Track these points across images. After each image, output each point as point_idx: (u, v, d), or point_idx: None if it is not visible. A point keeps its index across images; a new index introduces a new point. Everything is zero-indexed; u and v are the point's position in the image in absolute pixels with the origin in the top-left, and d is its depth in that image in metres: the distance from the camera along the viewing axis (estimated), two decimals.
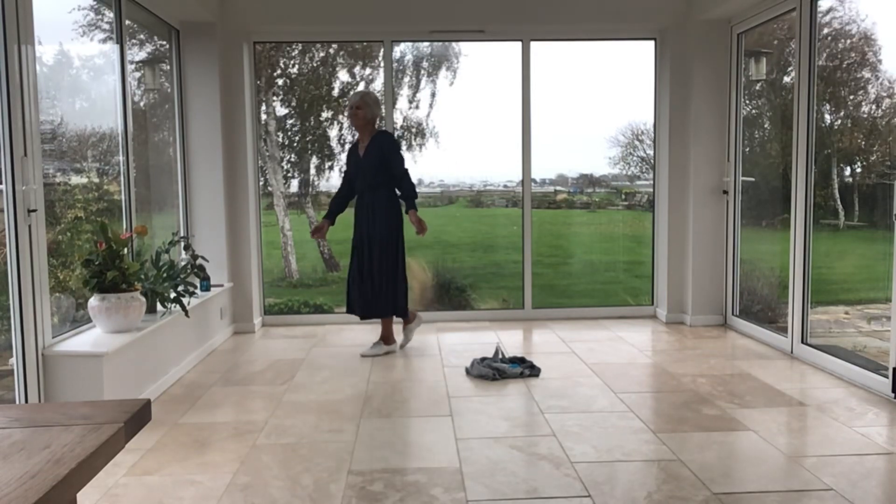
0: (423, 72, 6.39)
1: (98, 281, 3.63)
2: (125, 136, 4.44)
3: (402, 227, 4.91)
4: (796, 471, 2.86)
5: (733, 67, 5.54)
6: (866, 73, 4.75)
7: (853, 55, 4.77)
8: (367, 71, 6.38)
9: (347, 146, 5.64)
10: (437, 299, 6.45)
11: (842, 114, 4.92)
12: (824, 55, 4.72)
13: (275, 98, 6.46)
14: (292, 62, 6.58)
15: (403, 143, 6.36)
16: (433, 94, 6.37)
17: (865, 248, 4.94)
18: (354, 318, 5.49)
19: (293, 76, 6.57)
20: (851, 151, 4.93)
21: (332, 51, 6.46)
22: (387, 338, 5.00)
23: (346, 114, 5.05)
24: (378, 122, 4.97)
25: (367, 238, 4.83)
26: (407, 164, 4.89)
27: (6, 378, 3.35)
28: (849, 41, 4.73)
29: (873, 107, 4.80)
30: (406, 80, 6.36)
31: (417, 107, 6.39)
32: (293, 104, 6.58)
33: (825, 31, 4.77)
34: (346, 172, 5.06)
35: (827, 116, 4.90)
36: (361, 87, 6.37)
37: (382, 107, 5.22)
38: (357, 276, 4.88)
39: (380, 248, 4.80)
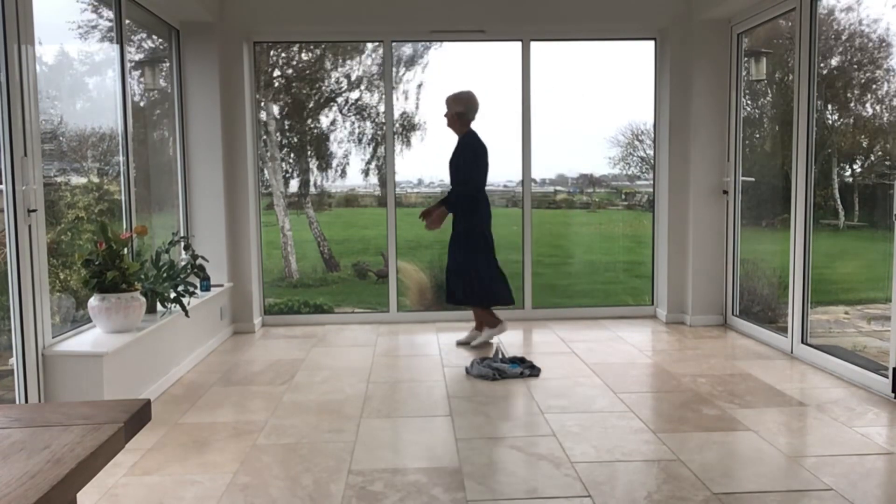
0: (421, 71, 6.39)
1: (98, 281, 3.63)
2: (125, 136, 4.44)
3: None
4: (796, 471, 2.86)
5: (733, 67, 5.54)
6: (878, 73, 4.73)
7: (860, 54, 4.75)
8: (359, 64, 6.38)
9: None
10: (438, 299, 6.45)
11: (845, 113, 4.92)
12: (835, 54, 4.71)
13: (274, 98, 6.45)
14: (292, 60, 6.57)
15: (403, 141, 6.36)
16: (429, 91, 6.38)
17: (865, 248, 4.94)
18: (354, 318, 5.51)
19: (293, 76, 6.56)
20: (852, 151, 4.93)
21: (324, 49, 6.46)
22: (482, 325, 5.16)
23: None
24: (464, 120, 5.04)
25: (489, 231, 5.08)
26: (407, 162, 4.96)
27: (6, 378, 3.35)
28: (858, 41, 4.71)
29: (879, 107, 4.79)
30: (406, 79, 6.36)
31: (417, 106, 6.39)
32: (293, 104, 6.57)
33: (834, 27, 4.76)
34: (481, 168, 5.05)
35: (829, 116, 4.90)
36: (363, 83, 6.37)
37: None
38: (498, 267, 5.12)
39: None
